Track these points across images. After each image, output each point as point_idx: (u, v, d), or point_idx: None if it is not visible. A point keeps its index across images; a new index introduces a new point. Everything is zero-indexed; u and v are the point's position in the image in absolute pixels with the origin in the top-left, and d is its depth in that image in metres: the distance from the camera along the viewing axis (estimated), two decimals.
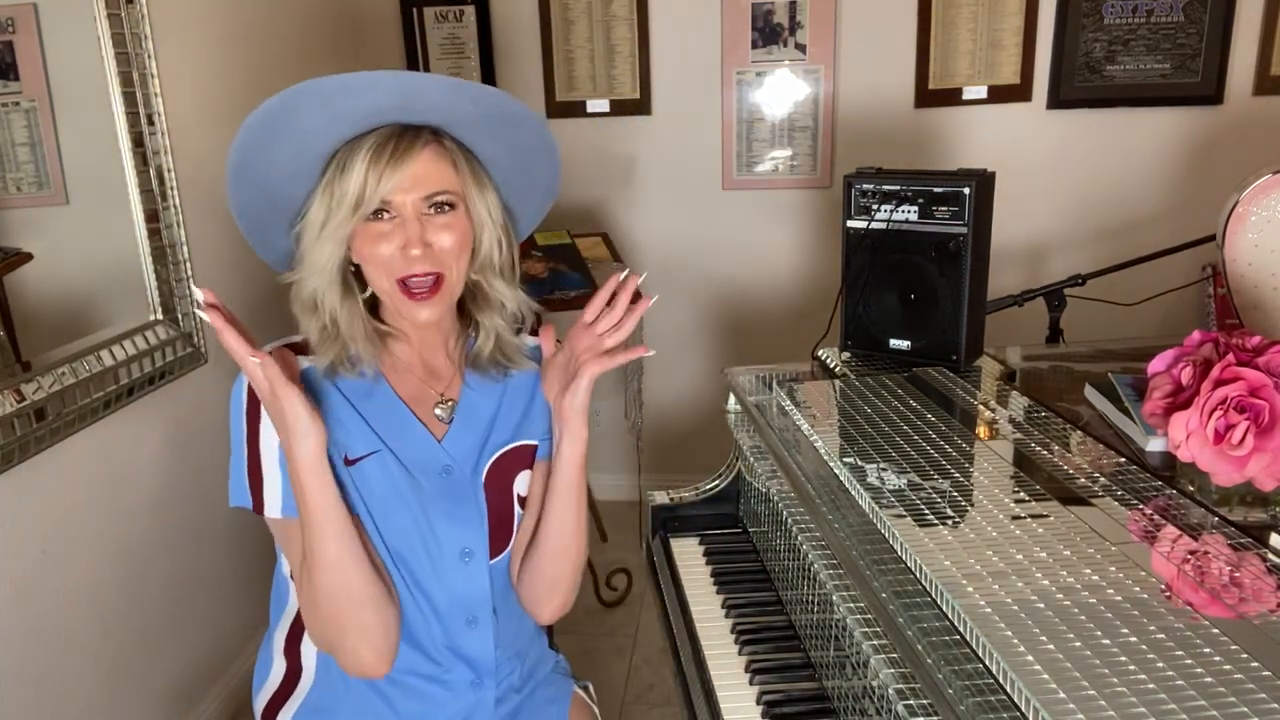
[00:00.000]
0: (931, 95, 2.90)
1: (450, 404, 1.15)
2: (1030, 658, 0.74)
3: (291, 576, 1.13)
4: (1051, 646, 0.75)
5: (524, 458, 1.19)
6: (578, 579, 1.20)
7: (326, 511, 1.01)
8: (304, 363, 1.09)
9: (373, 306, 1.11)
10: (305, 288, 1.06)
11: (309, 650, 1.17)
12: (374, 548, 1.09)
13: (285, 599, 1.19)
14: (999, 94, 2.88)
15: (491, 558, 1.16)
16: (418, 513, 1.10)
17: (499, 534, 1.16)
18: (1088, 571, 0.85)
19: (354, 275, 1.08)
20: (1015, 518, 0.97)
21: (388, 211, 1.02)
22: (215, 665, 2.21)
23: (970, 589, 0.84)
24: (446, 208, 1.04)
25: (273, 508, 1.07)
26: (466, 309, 1.16)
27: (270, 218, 1.09)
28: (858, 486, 1.07)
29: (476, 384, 1.17)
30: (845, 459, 1.14)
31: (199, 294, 0.94)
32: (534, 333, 1.23)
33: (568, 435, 1.11)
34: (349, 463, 1.08)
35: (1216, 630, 0.76)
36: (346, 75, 0.96)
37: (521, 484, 1.19)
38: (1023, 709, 0.71)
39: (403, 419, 1.12)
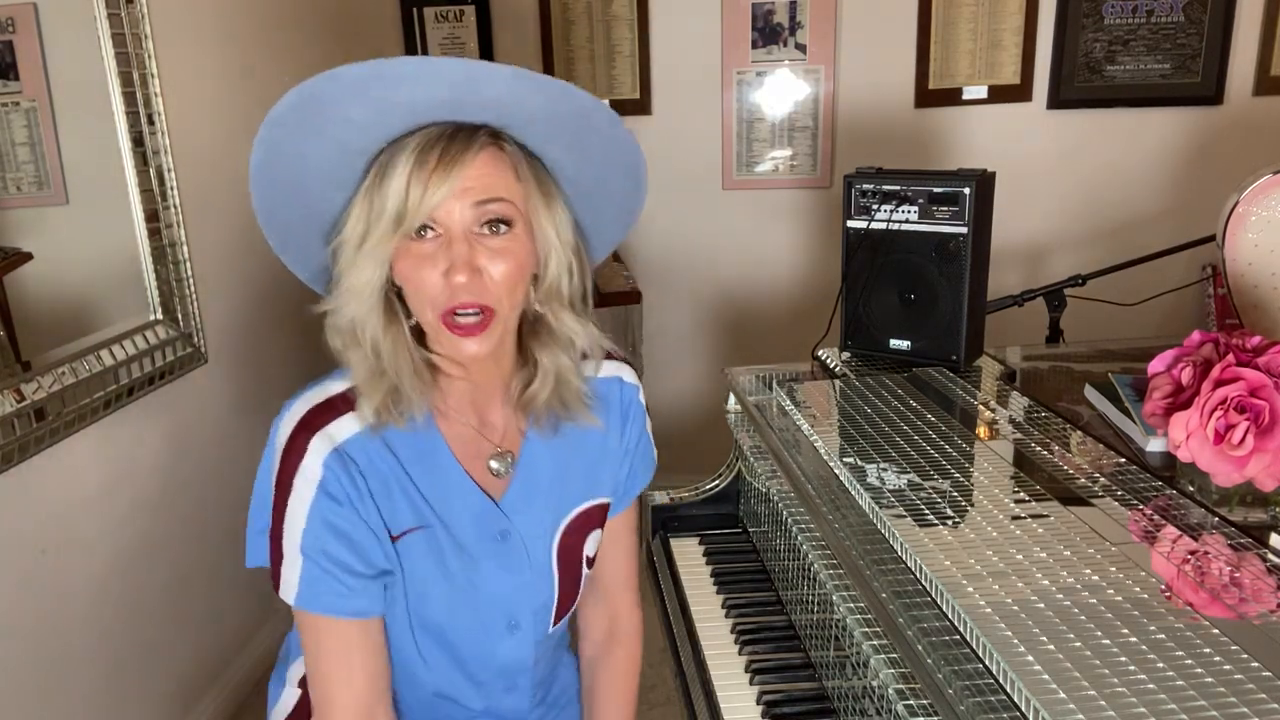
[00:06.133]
0: (931, 95, 2.90)
1: (508, 457, 1.01)
2: (1030, 658, 0.74)
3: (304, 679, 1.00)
4: (1051, 646, 0.75)
5: (596, 517, 1.09)
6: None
7: None
8: (345, 431, 0.93)
9: (421, 333, 0.95)
10: (343, 315, 0.91)
11: None
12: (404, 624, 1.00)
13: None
14: (999, 94, 2.88)
15: (554, 624, 1.07)
16: (465, 586, 0.99)
17: (564, 602, 1.08)
18: (1088, 571, 0.85)
19: (398, 297, 0.93)
20: (1015, 518, 0.97)
21: (433, 228, 0.87)
22: (215, 665, 2.21)
23: (970, 589, 0.84)
24: (502, 225, 0.88)
25: (288, 591, 0.93)
26: (525, 345, 1.00)
27: (304, 227, 0.94)
28: (858, 486, 1.07)
29: (539, 433, 1.03)
30: (845, 459, 1.14)
31: None
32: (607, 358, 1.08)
33: None
34: (394, 539, 0.96)
35: (1216, 630, 0.76)
36: (383, 62, 0.80)
37: (591, 545, 1.09)
38: (1023, 709, 0.71)
39: (456, 481, 0.99)
